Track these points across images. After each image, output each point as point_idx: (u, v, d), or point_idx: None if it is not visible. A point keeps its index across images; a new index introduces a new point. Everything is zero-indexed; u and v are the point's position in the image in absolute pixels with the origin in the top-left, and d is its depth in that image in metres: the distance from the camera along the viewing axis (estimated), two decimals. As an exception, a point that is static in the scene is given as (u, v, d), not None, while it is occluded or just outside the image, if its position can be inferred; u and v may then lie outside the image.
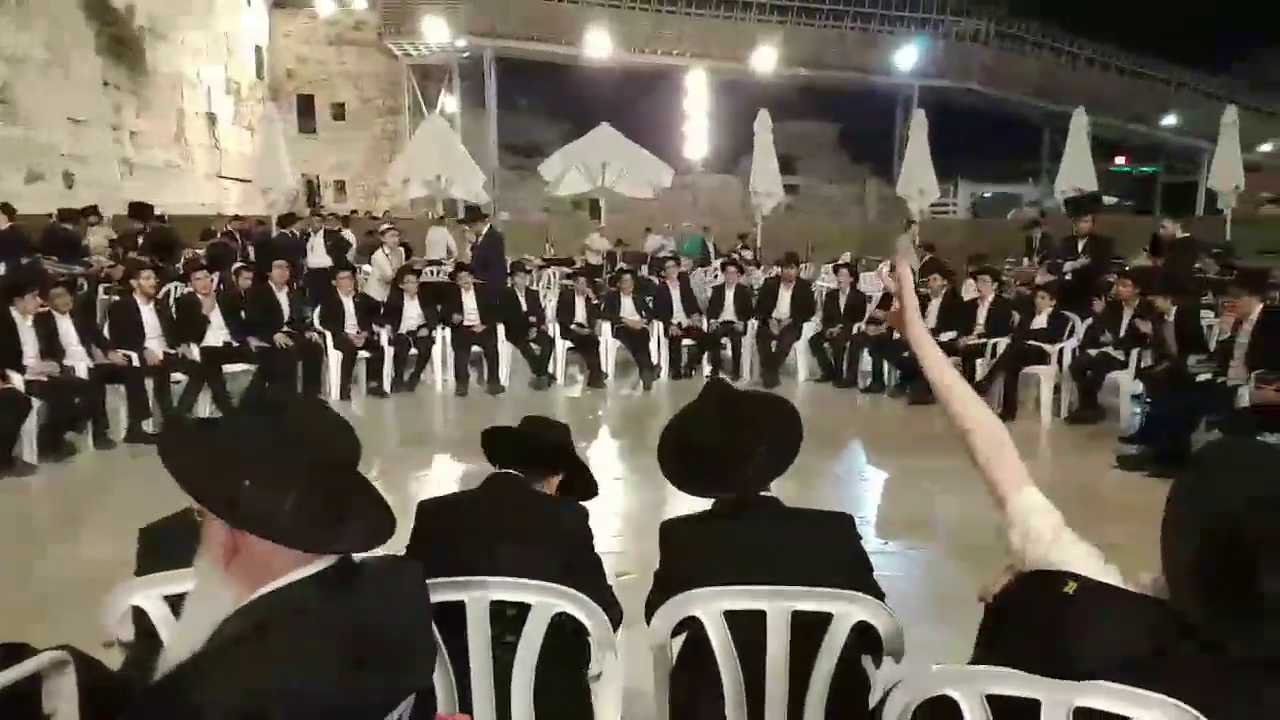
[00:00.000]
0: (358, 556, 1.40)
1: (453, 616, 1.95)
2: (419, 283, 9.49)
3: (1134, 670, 1.39)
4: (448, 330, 9.02)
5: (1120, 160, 43.23)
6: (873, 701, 1.91)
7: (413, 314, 9.09)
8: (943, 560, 4.68)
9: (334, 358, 8.41)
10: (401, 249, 11.34)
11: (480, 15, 29.46)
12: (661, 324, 9.64)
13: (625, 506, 5.47)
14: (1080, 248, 9.06)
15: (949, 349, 8.30)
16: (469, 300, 9.21)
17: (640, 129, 19.21)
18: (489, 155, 28.04)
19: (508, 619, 1.96)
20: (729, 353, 9.88)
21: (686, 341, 9.69)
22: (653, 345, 9.49)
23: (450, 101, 31.03)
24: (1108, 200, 35.99)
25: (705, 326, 9.82)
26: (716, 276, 10.95)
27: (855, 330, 9.28)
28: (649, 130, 24.98)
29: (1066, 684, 1.44)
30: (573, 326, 9.39)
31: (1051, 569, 1.52)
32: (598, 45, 29.59)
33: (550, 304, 10.13)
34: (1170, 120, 33.97)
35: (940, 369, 1.71)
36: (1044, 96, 31.33)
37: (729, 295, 9.97)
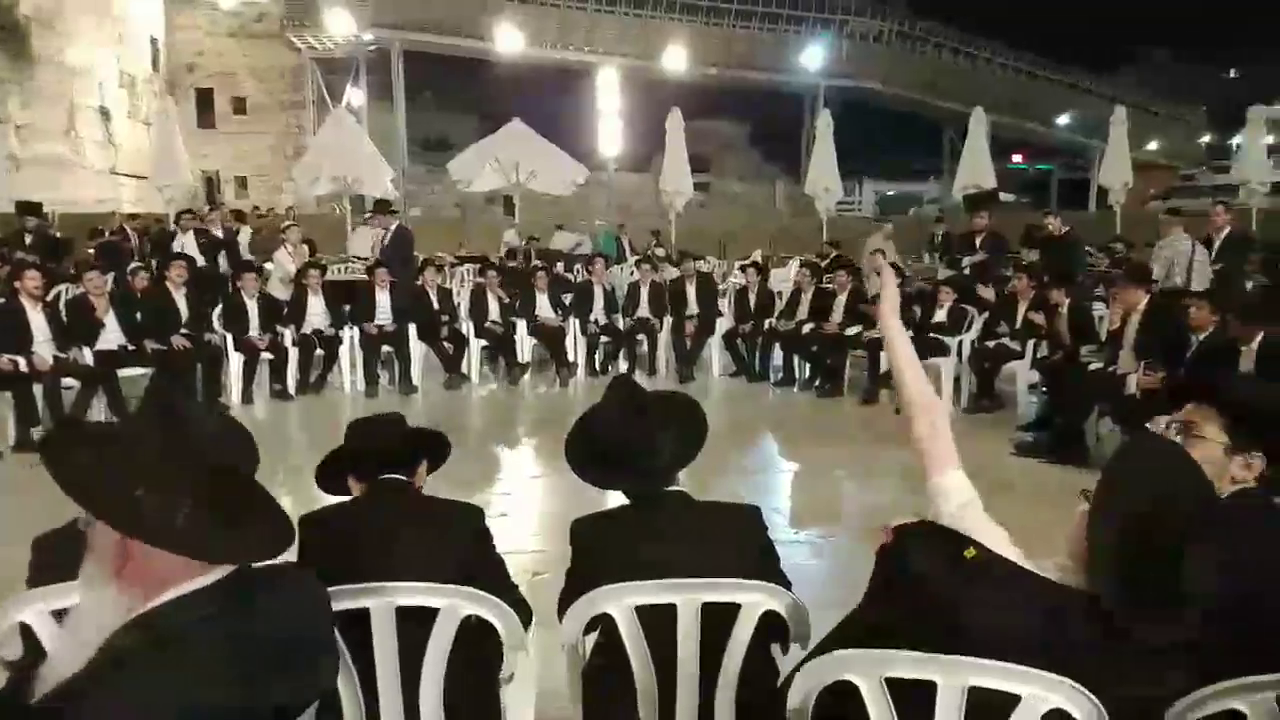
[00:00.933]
0: (255, 565, 1.37)
1: (357, 624, 1.92)
2: (326, 281, 9.26)
3: (1030, 650, 1.46)
4: (356, 330, 8.81)
5: (1018, 158, 45.07)
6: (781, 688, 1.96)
7: (318, 313, 8.85)
8: (851, 546, 4.79)
9: (235, 360, 8.13)
10: (305, 246, 11.04)
11: (387, 8, 28.89)
12: (578, 321, 9.63)
13: (544, 505, 5.45)
14: (978, 243, 9.40)
15: (855, 342, 8.54)
16: (383, 298, 9.03)
17: (553, 125, 19.14)
18: (398, 150, 27.51)
19: (414, 624, 1.93)
20: (645, 349, 9.93)
21: (603, 339, 9.71)
22: (569, 343, 9.47)
23: (356, 95, 30.32)
24: (1006, 197, 37.42)
25: (621, 324, 9.85)
26: (633, 274, 10.99)
27: (766, 326, 9.44)
28: (562, 127, 24.87)
29: (962, 666, 1.50)
30: (487, 325, 9.30)
31: (956, 531, 1.60)
32: (508, 40, 29.34)
33: (463, 302, 10.00)
34: (1064, 120, 35.55)
35: (907, 358, 1.86)
36: (944, 96, 32.41)
37: (644, 292, 10.03)
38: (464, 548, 2.14)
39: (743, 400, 8.89)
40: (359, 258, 11.19)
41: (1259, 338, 5.00)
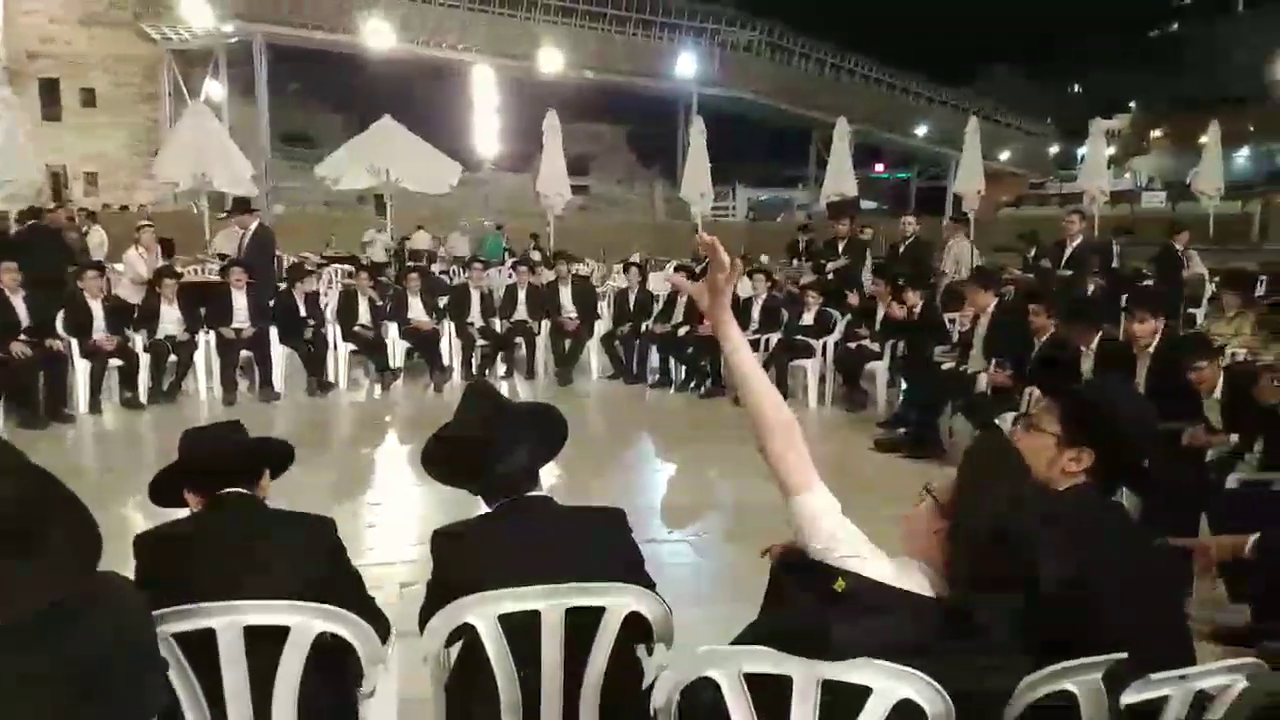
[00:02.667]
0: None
1: (204, 645, 1.82)
2: (181, 283, 8.78)
3: (887, 656, 1.51)
4: (212, 334, 8.38)
5: (880, 167, 47.03)
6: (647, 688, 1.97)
7: (171, 317, 8.38)
8: (724, 544, 4.90)
9: (81, 367, 7.60)
10: (159, 246, 10.44)
11: (248, -1, 27.66)
12: (454, 324, 9.46)
13: (415, 514, 5.32)
14: (841, 249, 9.76)
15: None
16: (240, 301, 8.61)
17: (427, 123, 18.77)
18: (261, 146, 26.36)
19: (266, 644, 1.85)
20: (523, 353, 9.85)
21: (480, 342, 9.57)
22: (444, 346, 9.30)
23: (216, 89, 28.86)
24: (868, 204, 38.96)
25: (499, 327, 9.74)
26: (510, 276, 10.89)
27: (644, 329, 9.52)
28: (436, 125, 24.40)
29: (816, 660, 1.55)
30: (356, 329, 9.02)
31: (828, 564, 1.60)
32: (378, 36, 28.57)
33: (331, 304, 9.66)
34: (922, 130, 37.27)
35: (748, 364, 1.77)
36: (811, 106, 33.48)
37: (521, 295, 9.95)
38: (316, 562, 2.07)
39: (621, 402, 8.95)
40: (223, 256, 10.67)
41: (1097, 339, 5.37)
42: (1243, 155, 47.35)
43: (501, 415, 2.10)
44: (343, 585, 2.12)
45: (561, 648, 1.90)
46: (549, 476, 6.32)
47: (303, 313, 8.89)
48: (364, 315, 9.14)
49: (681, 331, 9.12)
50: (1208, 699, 1.76)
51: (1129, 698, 1.64)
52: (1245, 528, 3.44)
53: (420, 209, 20.72)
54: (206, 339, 8.38)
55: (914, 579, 1.60)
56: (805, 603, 1.56)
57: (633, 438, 7.71)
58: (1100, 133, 16.17)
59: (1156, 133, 57.03)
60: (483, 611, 1.86)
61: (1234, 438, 4.22)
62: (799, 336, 8.46)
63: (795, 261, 13.02)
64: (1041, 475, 1.96)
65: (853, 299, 8.98)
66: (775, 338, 8.56)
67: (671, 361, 9.25)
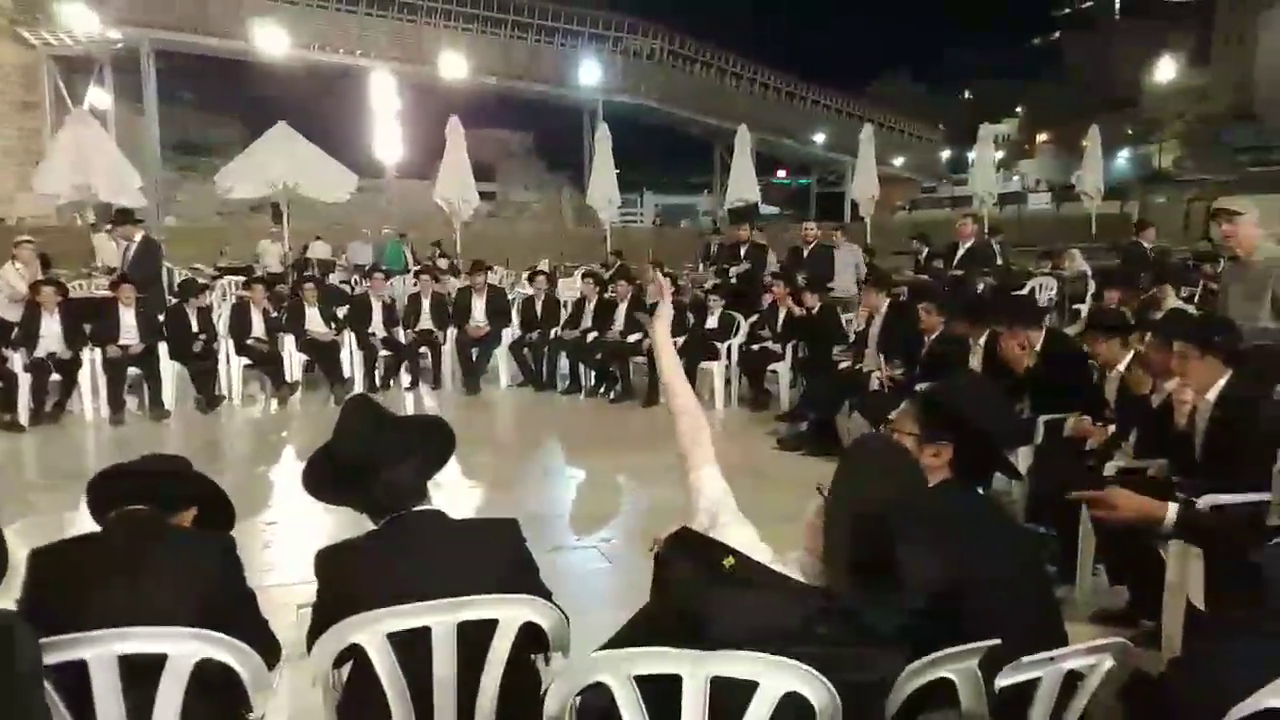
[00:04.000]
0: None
1: (78, 676, 1.73)
2: (66, 299, 8.34)
3: (769, 644, 1.54)
4: (97, 352, 7.99)
5: (781, 173, 48.10)
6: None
7: (53, 334, 7.95)
8: (633, 549, 4.90)
9: (-48, 390, 7.16)
10: (39, 262, 9.89)
11: (134, 4, 26.48)
12: (354, 335, 9.25)
13: (314, 534, 5.15)
14: (743, 254, 9.92)
15: (636, 349, 8.77)
16: (128, 317, 8.23)
17: (326, 130, 18.37)
18: (150, 156, 25.29)
19: (143, 672, 1.77)
20: (429, 362, 9.69)
21: (383, 353, 9.37)
22: (344, 357, 9.07)
23: (101, 97, 27.55)
24: (770, 209, 39.76)
25: (402, 337, 9.56)
26: (414, 285, 10.71)
27: (553, 335, 9.49)
28: (336, 132, 23.88)
29: (704, 658, 1.57)
30: (249, 342, 8.72)
31: (715, 540, 1.70)
32: (271, 42, 27.75)
33: (223, 318, 9.32)
34: (820, 137, 38.21)
35: (674, 364, 2.21)
36: (714, 114, 33.96)
37: (426, 304, 9.80)
38: (208, 583, 1.99)
39: (530, 409, 8.91)
40: (110, 270, 10.18)
41: (984, 335, 5.59)
42: (1122, 157, 50.09)
43: (382, 430, 2.06)
44: (232, 607, 2.04)
45: (454, 663, 1.87)
46: (458, 488, 6.26)
47: (195, 328, 8.56)
48: (258, 328, 8.85)
49: (591, 337, 9.12)
50: (1080, 678, 1.85)
51: (1003, 681, 1.71)
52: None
53: (319, 218, 20.21)
54: (91, 356, 7.98)
55: (790, 566, 1.65)
56: (689, 581, 1.62)
57: (543, 445, 7.68)
58: (988, 138, 16.90)
59: (1042, 137, 59.89)
60: (370, 631, 1.82)
61: (1111, 427, 4.44)
62: (704, 339, 8.56)
63: (701, 266, 13.19)
64: None
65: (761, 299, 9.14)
66: (681, 341, 8.64)
67: (581, 368, 9.24)
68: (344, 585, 1.92)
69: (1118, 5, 68.41)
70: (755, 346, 8.40)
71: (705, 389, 8.47)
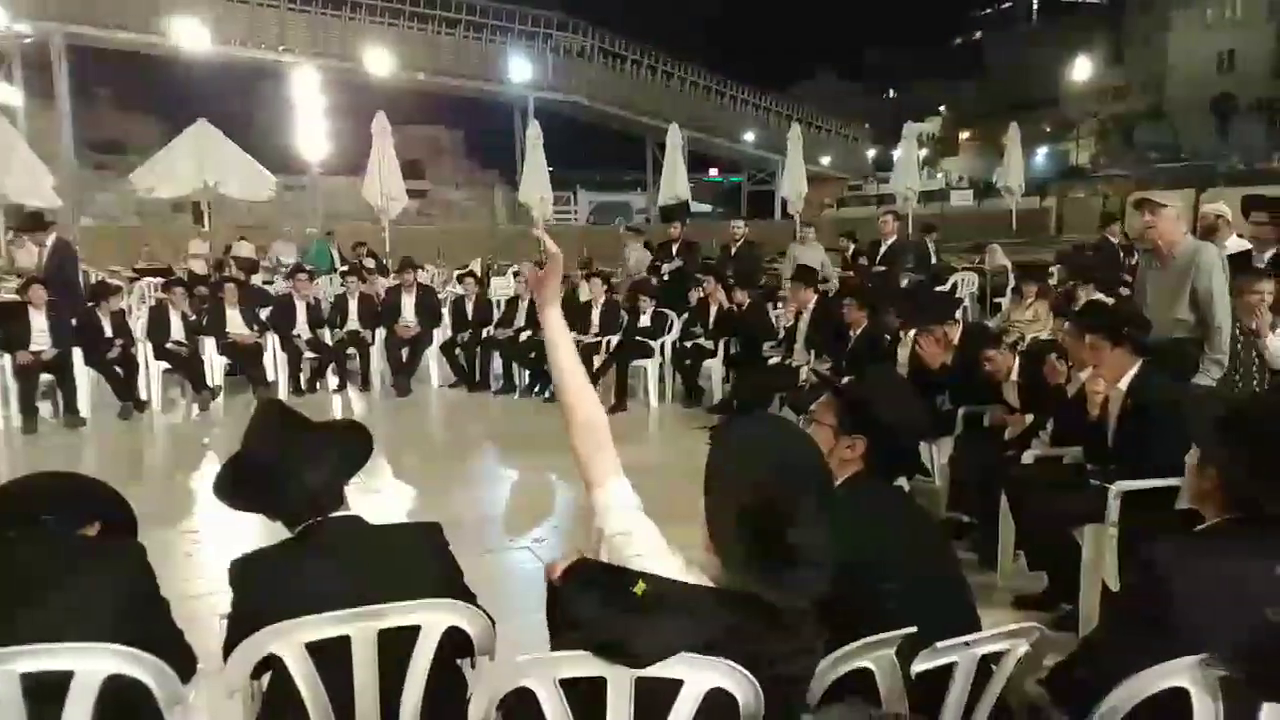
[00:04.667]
0: None
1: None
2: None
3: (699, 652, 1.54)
4: (7, 358, 7.65)
5: (713, 171, 48.51)
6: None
7: (-45, 342, 7.60)
8: (566, 549, 4.89)
9: None
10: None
11: (43, -4, 25.42)
12: (278, 337, 9.03)
13: (235, 542, 5.00)
14: (674, 251, 9.98)
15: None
16: (39, 321, 7.90)
17: (247, 127, 17.92)
18: (64, 154, 24.32)
19: (48, 691, 1.70)
20: (357, 364, 9.52)
21: (308, 355, 9.17)
22: (267, 360, 8.85)
23: (10, 93, 26.36)
24: (703, 207, 40.05)
25: (329, 338, 9.37)
26: (342, 285, 10.50)
27: (485, 335, 9.40)
28: (257, 129, 23.29)
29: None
30: (168, 345, 8.44)
31: (625, 564, 1.61)
32: (190, 37, 26.90)
33: (141, 321, 9.01)
34: (750, 136, 38.60)
35: (569, 359, 1.83)
36: (645, 112, 34.03)
37: (353, 304, 9.62)
38: (119, 596, 1.91)
39: (463, 410, 8.83)
40: (21, 274, 9.76)
41: (912, 331, 5.71)
42: (1041, 154, 51.70)
43: (294, 433, 2.02)
44: (144, 619, 1.96)
45: (375, 672, 1.84)
46: (389, 491, 6.16)
47: (109, 332, 8.26)
48: (177, 331, 8.58)
49: (524, 336, 9.06)
50: (996, 662, 1.90)
51: (918, 667, 1.75)
52: (1041, 503, 3.75)
53: (242, 217, 19.71)
54: (1, 363, 7.64)
55: (692, 571, 1.62)
56: (599, 617, 1.53)
57: (477, 446, 7.62)
58: (912, 136, 17.25)
59: (964, 135, 61.42)
60: (287, 640, 1.78)
61: (1029, 417, 4.58)
62: (637, 337, 8.59)
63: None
64: None
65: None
66: (615, 339, 8.65)
67: (515, 367, 9.18)
68: (259, 595, 1.87)
69: (1034, 6, 70.54)
70: (688, 343, 8.46)
71: (640, 387, 8.51)
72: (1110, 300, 6.48)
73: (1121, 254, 11.16)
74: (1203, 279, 4.35)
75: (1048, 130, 54.75)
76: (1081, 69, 53.84)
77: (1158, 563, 1.79)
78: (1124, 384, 3.65)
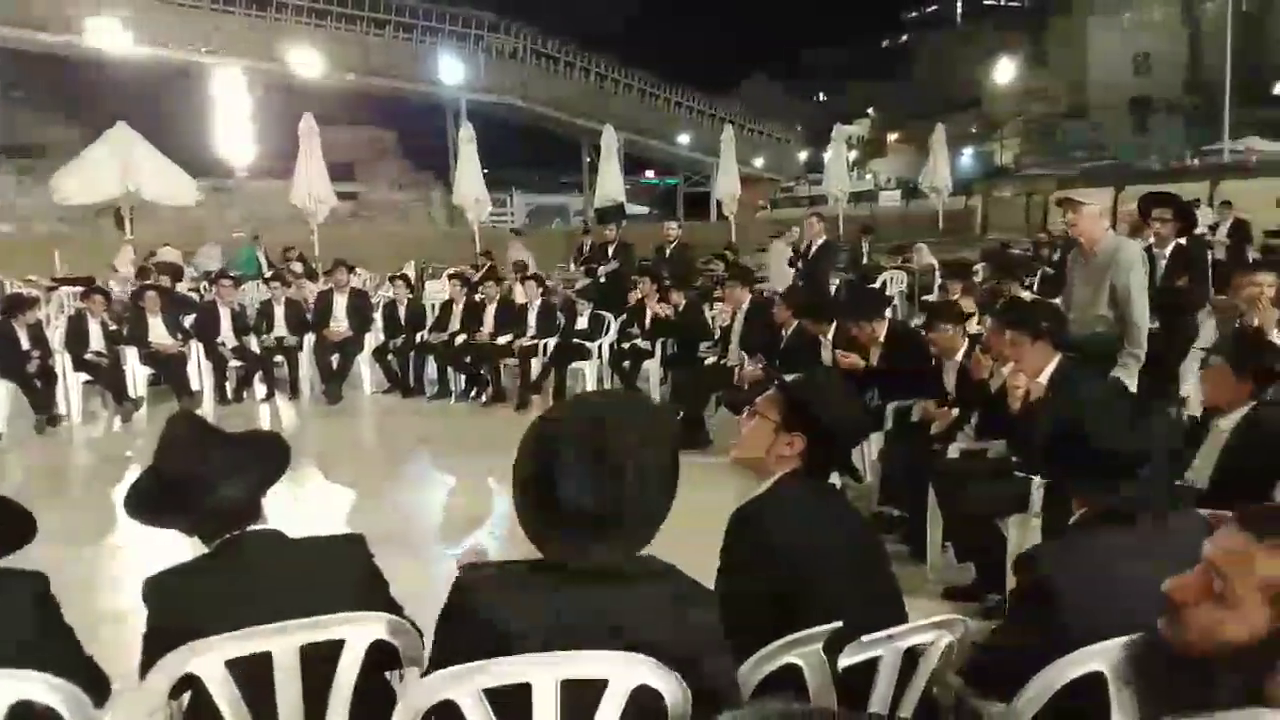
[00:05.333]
0: None
1: None
2: None
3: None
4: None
5: (650, 173, 48.65)
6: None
7: None
8: (504, 556, 4.84)
9: None
10: None
11: (-54, -5, 24.38)
12: (202, 345, 8.79)
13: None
14: (610, 253, 9.98)
15: (506, 351, 8.69)
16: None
17: (171, 131, 17.41)
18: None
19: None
20: (285, 371, 9.30)
21: (234, 363, 8.94)
22: (191, 369, 8.61)
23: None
24: (639, 209, 40.12)
25: (255, 346, 9.14)
26: (270, 291, 10.23)
27: (419, 339, 9.27)
28: (182, 132, 22.65)
29: (553, 660, 1.56)
30: (88, 356, 8.16)
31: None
32: (109, 38, 26.02)
33: (59, 332, 8.69)
34: (684, 138, 38.80)
35: None
36: (580, 114, 33.96)
37: (279, 310, 9.40)
38: (20, 628, 1.83)
39: (397, 416, 8.68)
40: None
41: (832, 330, 5.80)
42: (967, 155, 53.00)
43: (209, 446, 1.96)
44: (51, 642, 1.89)
45: (299, 688, 1.80)
46: (321, 502, 6.03)
47: (26, 344, 7.94)
48: (96, 341, 8.29)
49: (459, 340, 8.97)
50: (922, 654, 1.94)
51: (845, 661, 1.78)
52: (967, 495, 3.84)
53: (166, 222, 19.12)
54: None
55: None
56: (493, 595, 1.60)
57: (411, 452, 7.50)
58: (842, 138, 17.54)
59: (893, 136, 62.64)
60: (206, 658, 1.73)
61: (955, 411, 4.68)
62: (575, 340, 8.56)
63: (571, 266, 13.18)
64: (759, 457, 2.13)
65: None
66: (552, 342, 8.62)
67: (450, 371, 9.07)
68: (175, 613, 1.82)
69: (959, 9, 72.28)
70: (625, 345, 8.46)
71: (578, 389, 8.47)
72: (1033, 296, 6.68)
73: (1048, 251, 11.54)
74: (1121, 276, 4.49)
75: (973, 131, 56.17)
76: (1005, 70, 55.37)
77: (1037, 557, 1.87)
78: (1044, 378, 3.77)
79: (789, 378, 2.53)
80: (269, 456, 2.04)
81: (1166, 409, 4.34)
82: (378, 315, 9.81)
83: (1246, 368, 3.39)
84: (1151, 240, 5.75)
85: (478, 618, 1.58)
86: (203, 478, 1.89)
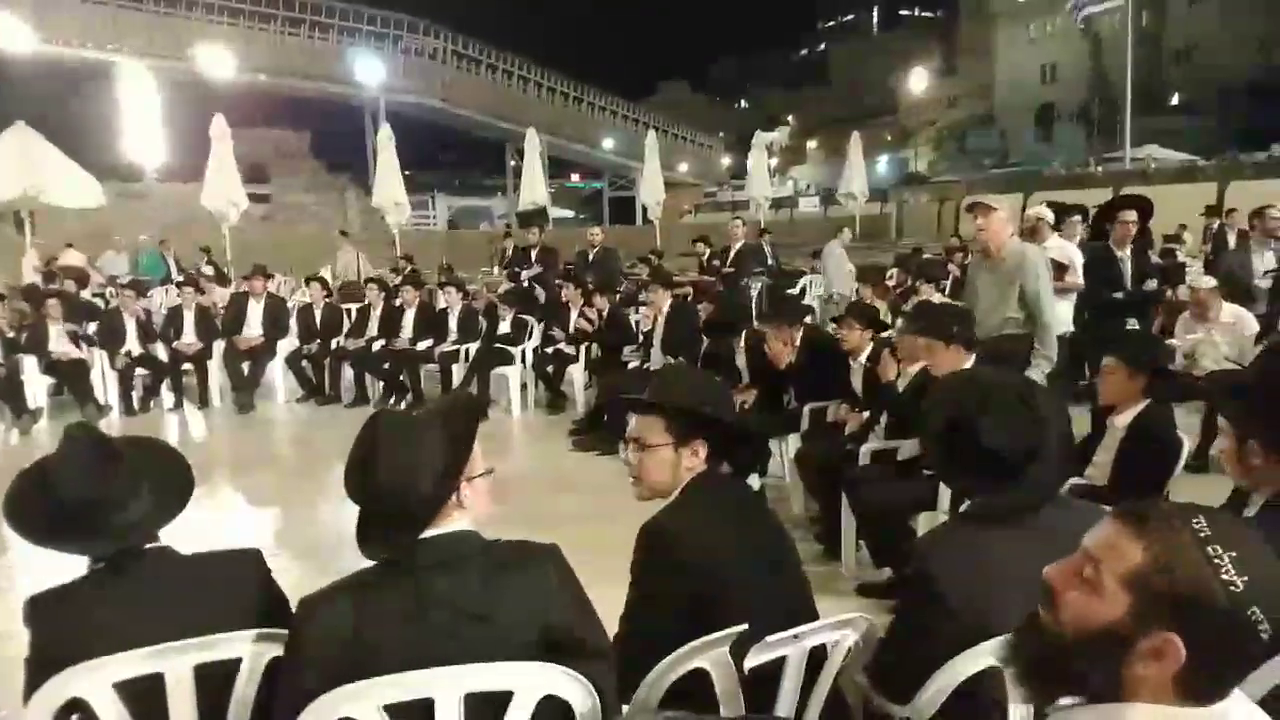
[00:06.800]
0: None
1: None
2: None
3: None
4: None
5: (575, 177, 48.62)
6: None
7: None
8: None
9: None
10: None
11: None
12: (106, 354, 8.44)
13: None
14: (534, 257, 9.93)
15: (426, 357, 8.55)
16: None
17: (74, 131, 16.69)
18: None
19: None
20: (194, 379, 8.98)
21: (140, 371, 8.60)
22: (95, 378, 8.26)
23: None
24: (565, 213, 40.02)
25: (163, 354, 8.81)
26: (179, 296, 9.88)
27: (335, 345, 9.07)
28: (85, 133, 21.75)
29: (456, 674, 1.55)
30: (-19, 367, 7.77)
31: None
32: (11, 34, 24.83)
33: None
34: (609, 143, 38.87)
35: None
36: (502, 117, 33.74)
37: (189, 316, 9.08)
38: None
39: (314, 425, 8.46)
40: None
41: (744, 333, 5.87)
42: (882, 161, 54.32)
43: (110, 464, 1.86)
44: None
45: (193, 711, 1.74)
46: (235, 514, 5.84)
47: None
48: (-10, 351, 7.90)
49: (377, 346, 8.79)
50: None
51: (751, 661, 1.79)
52: (877, 493, 3.93)
53: (71, 226, 18.32)
54: None
55: None
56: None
57: (329, 461, 7.23)
58: (762, 145, 17.79)
59: (812, 144, 63.85)
60: (93, 680, 1.66)
61: (866, 413, 4.79)
62: (498, 345, 8.47)
63: (496, 270, 13.08)
64: (669, 484, 2.06)
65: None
66: (474, 347, 8.51)
67: (368, 378, 8.89)
68: (60, 634, 1.73)
69: (875, 20, 74.10)
70: (549, 349, 8.41)
71: (502, 394, 8.39)
72: (943, 299, 6.87)
73: (961, 255, 11.88)
74: (1030, 280, 4.64)
75: (889, 139, 57.63)
76: (918, 79, 56.97)
77: (917, 547, 1.91)
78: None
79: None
80: (175, 472, 1.97)
81: (1062, 406, 4.50)
82: (293, 321, 9.56)
83: (1141, 366, 3.55)
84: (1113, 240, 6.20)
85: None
86: (108, 501, 1.80)
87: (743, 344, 5.67)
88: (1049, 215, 6.81)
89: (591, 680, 1.60)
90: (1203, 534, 1.04)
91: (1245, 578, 1.00)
